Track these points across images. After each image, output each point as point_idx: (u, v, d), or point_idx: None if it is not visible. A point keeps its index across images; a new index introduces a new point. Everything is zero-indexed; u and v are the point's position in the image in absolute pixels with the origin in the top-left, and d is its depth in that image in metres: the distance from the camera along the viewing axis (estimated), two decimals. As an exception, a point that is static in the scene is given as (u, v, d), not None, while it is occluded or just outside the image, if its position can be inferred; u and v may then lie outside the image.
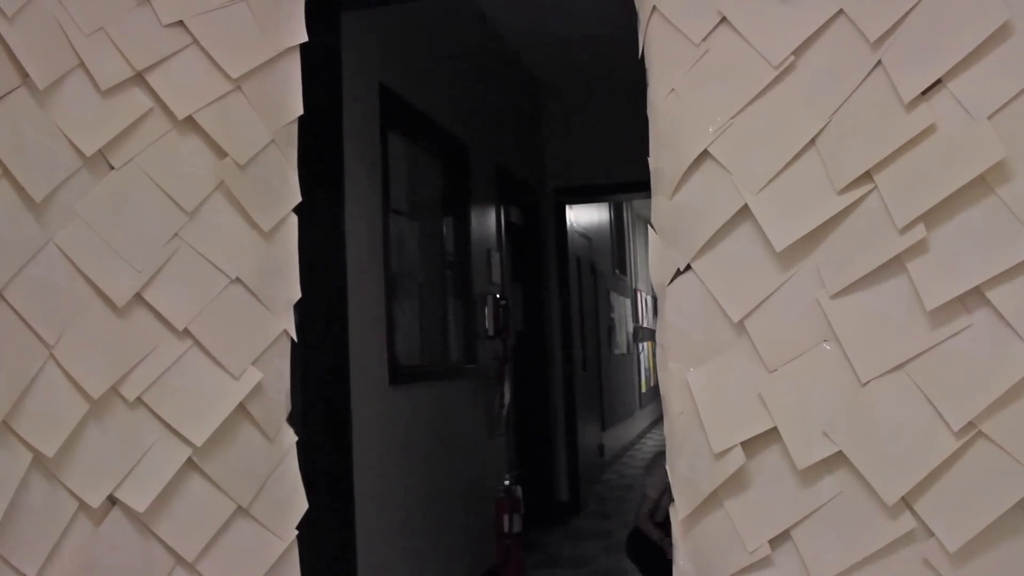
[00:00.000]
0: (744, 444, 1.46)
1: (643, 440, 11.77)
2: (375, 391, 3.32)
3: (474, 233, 4.74)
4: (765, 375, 1.47)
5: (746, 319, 1.49)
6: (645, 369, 12.96)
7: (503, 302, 4.88)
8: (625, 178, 6.26)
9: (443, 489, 4.15)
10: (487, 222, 5.07)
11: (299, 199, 1.85)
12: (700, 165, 1.54)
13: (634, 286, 12.20)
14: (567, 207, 6.72)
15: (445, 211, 4.55)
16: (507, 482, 4.58)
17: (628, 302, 11.40)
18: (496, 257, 5.11)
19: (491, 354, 4.93)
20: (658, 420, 14.48)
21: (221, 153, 1.75)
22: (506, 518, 4.51)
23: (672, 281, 1.59)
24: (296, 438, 1.80)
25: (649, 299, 14.01)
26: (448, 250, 4.53)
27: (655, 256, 1.65)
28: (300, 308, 1.88)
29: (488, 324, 4.76)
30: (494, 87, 5.42)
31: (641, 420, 12.19)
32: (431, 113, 4.14)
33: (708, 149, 1.51)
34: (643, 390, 12.55)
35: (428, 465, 3.93)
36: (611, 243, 10.16)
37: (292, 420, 1.82)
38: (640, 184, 6.82)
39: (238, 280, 1.74)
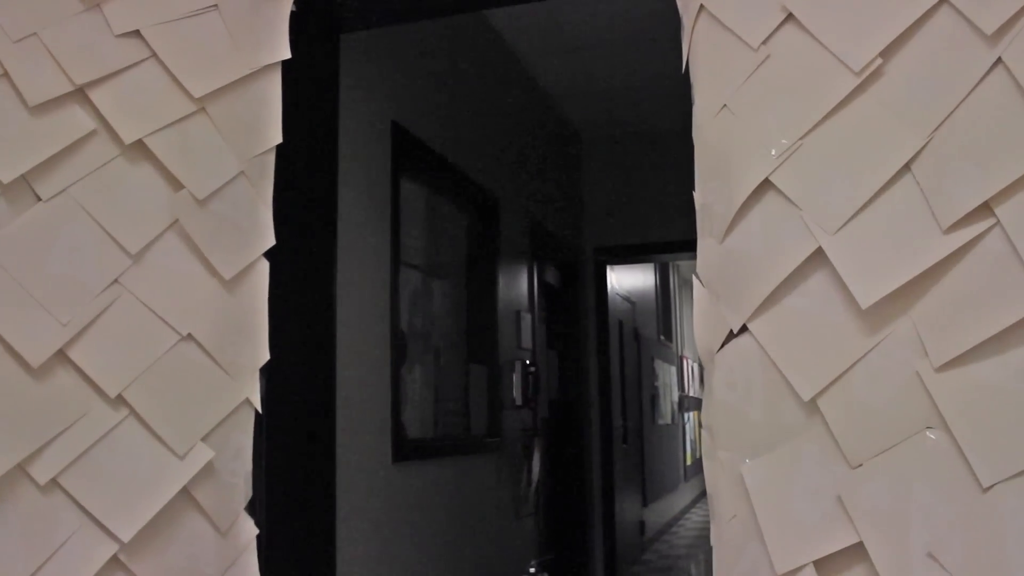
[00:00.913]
0: (818, 563, 1.11)
1: (687, 515, 11.22)
2: (374, 470, 2.96)
3: (502, 293, 4.41)
4: (846, 472, 1.12)
5: (820, 396, 1.15)
6: (691, 440, 12.45)
7: (532, 368, 4.53)
8: (671, 237, 5.93)
9: (461, 577, 3.76)
10: (518, 281, 4.75)
11: (271, 242, 1.56)
12: (760, 199, 1.21)
13: (680, 353, 11.78)
14: (608, 267, 6.38)
15: (470, 268, 4.24)
16: (532, 569, 4.18)
17: (673, 369, 10.97)
18: (527, 319, 4.78)
19: (518, 425, 4.57)
20: (704, 493, 13.90)
21: (177, 185, 1.47)
22: (532, 609, 4.11)
23: (723, 346, 1.26)
24: (257, 531, 1.48)
25: (695, 366, 13.55)
26: (472, 311, 4.20)
27: (701, 315, 1.33)
28: (271, 374, 1.56)
29: (515, 392, 4.41)
30: (529, 136, 5.15)
31: (686, 494, 11.65)
32: (455, 159, 3.85)
33: (770, 178, 1.19)
34: (688, 462, 12.03)
35: (441, 553, 3.55)
36: (656, 307, 9.79)
37: (253, 508, 1.49)
38: (688, 244, 6.50)
39: (190, 337, 1.45)
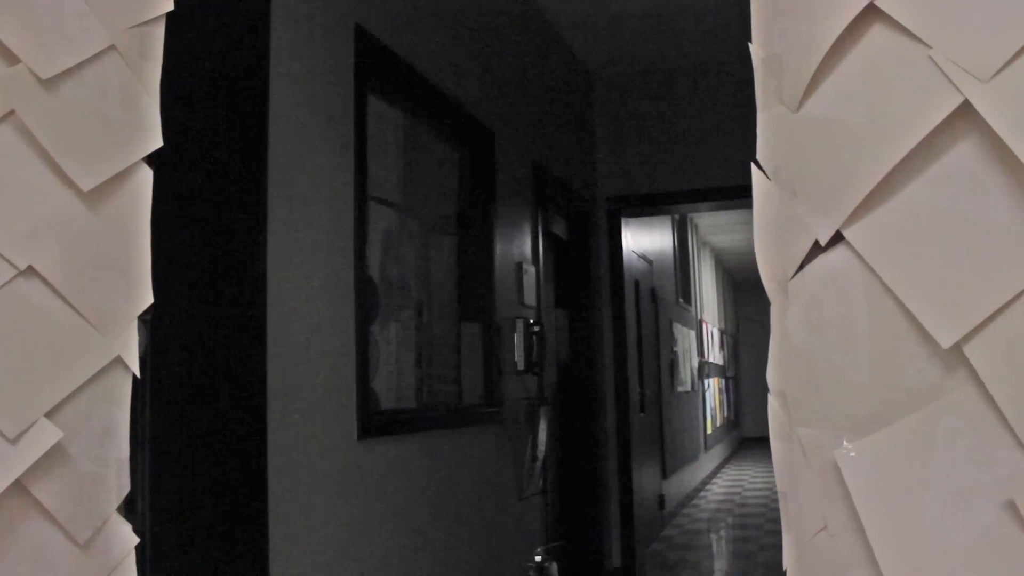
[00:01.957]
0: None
1: (708, 486, 10.69)
2: (332, 451, 2.40)
3: (501, 242, 3.84)
4: (1019, 459, 0.61)
5: (968, 342, 0.64)
6: (711, 408, 11.91)
7: (536, 328, 3.97)
8: (693, 185, 5.33)
9: (450, 574, 3.22)
10: (520, 231, 4.17)
11: (157, 143, 1.06)
12: (861, 35, 0.72)
13: (699, 316, 11.20)
14: (623, 220, 5.79)
15: (462, 212, 3.66)
16: (538, 558, 3.65)
17: (693, 334, 10.40)
18: (530, 273, 4.21)
19: (521, 394, 4.02)
20: (729, 459, 13.39)
21: (11, 58, 0.93)
22: (538, 602, 3.58)
23: (802, 268, 0.75)
24: (136, 540, 1.00)
25: (715, 331, 12.96)
26: (464, 261, 3.63)
27: (765, 222, 0.87)
28: (160, 324, 1.01)
29: (517, 356, 3.86)
30: (533, 69, 4.54)
31: (707, 464, 11.13)
32: (439, 82, 3.26)
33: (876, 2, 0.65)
34: (708, 431, 11.49)
35: (426, 546, 3.01)
36: (674, 268, 9.20)
37: (133, 509, 0.95)
38: (712, 191, 6.02)
39: (31, 271, 0.92)
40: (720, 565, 6.27)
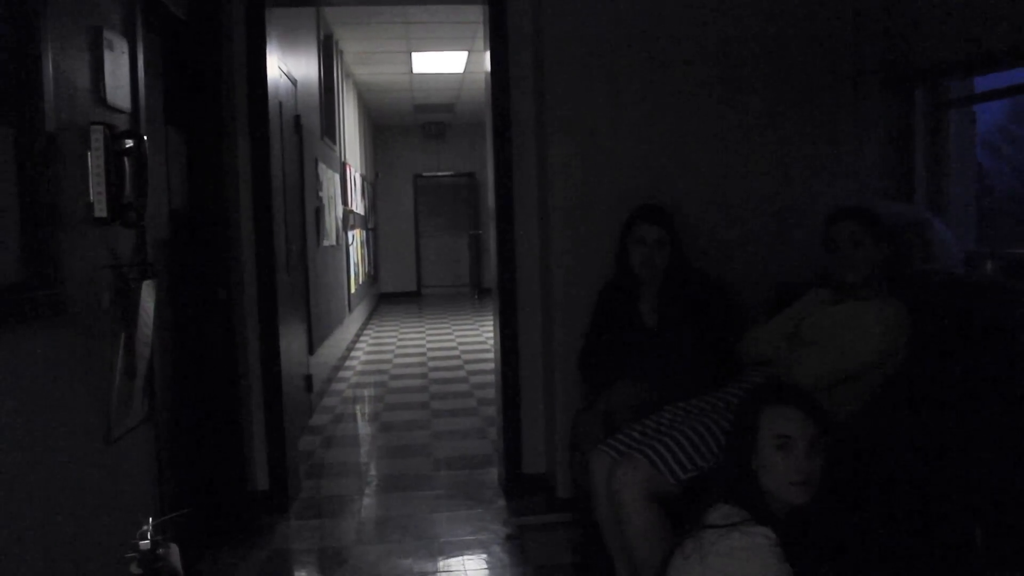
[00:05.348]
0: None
1: (354, 353, 9.45)
2: None
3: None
4: None
5: None
6: (354, 264, 10.56)
7: (130, 145, 2.27)
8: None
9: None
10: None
11: None
12: None
13: (343, 159, 9.65)
14: (267, 13, 4.05)
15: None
16: (145, 541, 2.10)
17: (337, 178, 8.87)
18: (120, 54, 2.45)
19: (105, 259, 2.33)
20: (370, 318, 12.23)
21: None
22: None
23: None
24: None
25: (358, 177, 11.51)
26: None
27: None
28: None
29: (95, 193, 2.16)
30: None
31: (351, 327, 9.84)
32: None
33: None
34: (352, 291, 10.17)
35: None
36: (320, 98, 7.54)
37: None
38: None
39: None
40: (389, 467, 5.03)
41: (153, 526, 2.17)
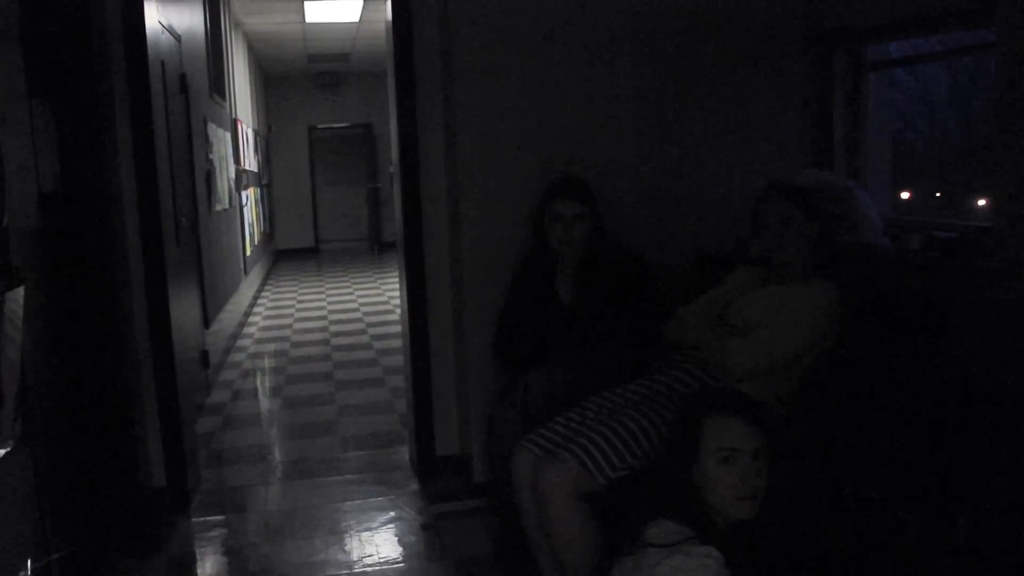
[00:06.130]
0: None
1: (252, 319, 9.08)
2: None
3: None
4: None
5: None
6: (249, 225, 10.11)
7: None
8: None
9: None
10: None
11: None
12: None
13: (234, 115, 9.17)
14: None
15: None
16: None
17: (228, 137, 8.41)
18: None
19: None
20: (267, 279, 11.80)
21: None
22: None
23: None
24: None
25: (250, 132, 11.00)
26: None
27: None
28: None
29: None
30: None
31: (247, 292, 9.44)
32: None
33: None
34: (248, 253, 9.75)
35: None
36: (207, 52, 7.07)
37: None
38: None
39: None
40: (294, 450, 4.80)
41: (33, 570, 1.92)
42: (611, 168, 3.64)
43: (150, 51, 3.76)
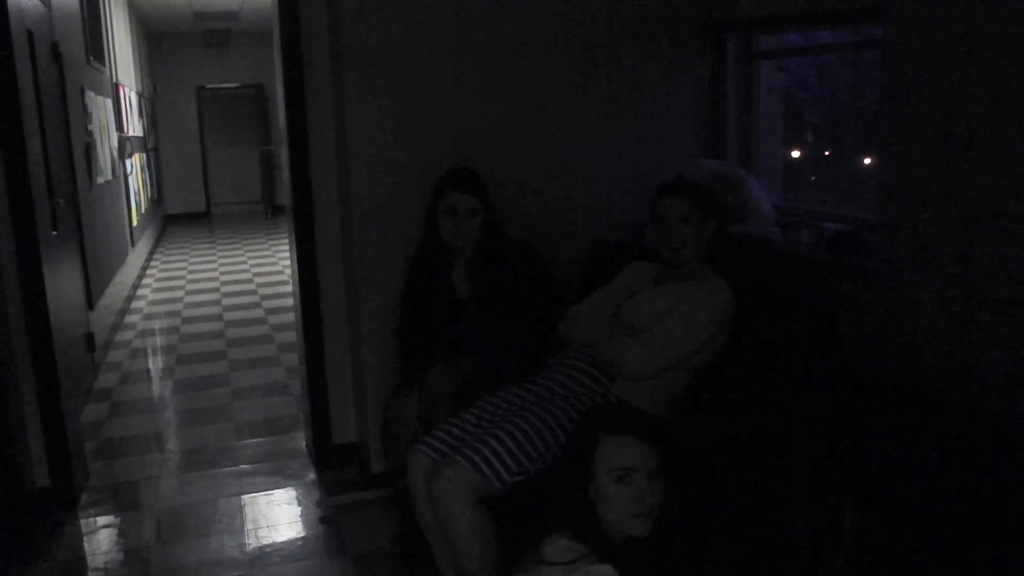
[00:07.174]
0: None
1: (140, 292, 8.77)
2: None
3: None
4: None
5: None
6: (135, 194, 9.72)
7: None
8: None
9: None
10: None
11: None
12: None
13: (115, 80, 8.76)
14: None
15: None
16: None
17: (109, 103, 8.04)
18: None
19: None
20: (156, 247, 11.40)
21: None
22: None
23: None
24: None
25: (134, 96, 10.54)
26: None
27: None
28: None
29: None
30: None
31: (134, 264, 9.11)
32: None
33: None
34: (135, 223, 9.39)
35: None
36: (81, 17, 6.71)
37: None
38: None
39: None
40: (187, 438, 4.67)
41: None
42: (501, 159, 3.58)
43: (13, 20, 3.55)
